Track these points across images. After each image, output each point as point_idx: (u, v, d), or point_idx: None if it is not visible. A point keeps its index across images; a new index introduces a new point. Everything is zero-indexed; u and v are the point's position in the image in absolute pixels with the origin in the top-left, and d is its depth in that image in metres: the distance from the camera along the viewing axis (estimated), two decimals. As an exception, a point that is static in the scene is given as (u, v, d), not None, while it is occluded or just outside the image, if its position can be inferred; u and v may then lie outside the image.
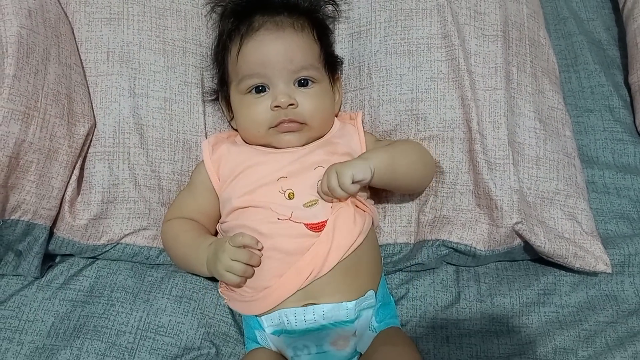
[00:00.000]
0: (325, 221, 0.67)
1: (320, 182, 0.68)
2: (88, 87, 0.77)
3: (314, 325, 0.64)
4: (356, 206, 0.71)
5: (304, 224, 0.67)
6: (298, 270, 0.65)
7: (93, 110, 0.76)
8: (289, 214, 0.67)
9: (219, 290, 0.73)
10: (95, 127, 0.76)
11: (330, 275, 0.65)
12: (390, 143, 0.77)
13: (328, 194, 0.67)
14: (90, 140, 0.76)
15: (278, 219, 0.67)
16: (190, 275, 0.76)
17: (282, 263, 0.66)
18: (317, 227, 0.67)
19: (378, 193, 0.80)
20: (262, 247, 0.66)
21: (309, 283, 0.65)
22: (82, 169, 0.75)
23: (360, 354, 0.67)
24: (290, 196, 0.69)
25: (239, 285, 0.67)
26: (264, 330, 0.66)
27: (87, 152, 0.76)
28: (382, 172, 0.68)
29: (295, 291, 0.64)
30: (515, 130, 0.77)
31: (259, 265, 0.66)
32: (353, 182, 0.64)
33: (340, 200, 0.68)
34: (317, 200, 0.69)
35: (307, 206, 0.68)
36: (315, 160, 0.72)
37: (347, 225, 0.67)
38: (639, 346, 0.69)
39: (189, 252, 0.71)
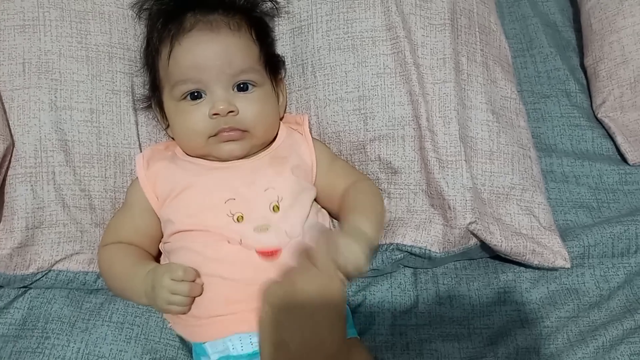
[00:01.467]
0: (279, 249, 0.62)
1: (336, 251, 0.56)
2: (3, 103, 0.70)
3: None
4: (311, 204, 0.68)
5: (255, 251, 0.62)
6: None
7: (10, 129, 0.69)
8: (238, 239, 0.63)
9: (163, 315, 0.68)
10: (13, 146, 0.69)
11: None
12: (353, 194, 0.70)
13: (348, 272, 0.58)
14: (9, 162, 0.69)
15: (228, 241, 0.63)
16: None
17: (230, 289, 0.61)
18: (270, 254, 0.62)
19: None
20: (203, 276, 0.62)
21: None
22: (1, 193, 0.69)
23: None
24: (239, 219, 0.64)
25: (183, 313, 0.63)
26: (210, 357, 0.62)
27: (6, 175, 0.69)
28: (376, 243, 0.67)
29: (248, 330, 0.60)
30: (467, 124, 0.73)
31: (200, 295, 0.61)
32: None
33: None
34: (269, 225, 0.64)
35: (258, 231, 0.64)
36: (265, 182, 0.67)
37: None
38: (600, 340, 0.67)
39: (125, 283, 0.66)
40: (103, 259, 0.69)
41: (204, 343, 0.62)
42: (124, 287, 0.67)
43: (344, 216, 0.69)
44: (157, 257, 0.72)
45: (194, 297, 0.61)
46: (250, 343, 0.60)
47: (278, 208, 0.65)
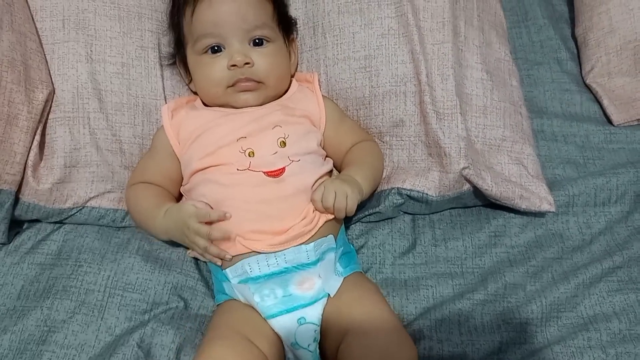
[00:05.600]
0: (283, 168, 0.70)
1: (318, 193, 0.69)
2: (45, 54, 0.78)
3: (278, 269, 0.67)
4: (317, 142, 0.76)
5: (262, 172, 0.70)
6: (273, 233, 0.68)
7: (51, 77, 0.77)
8: (247, 165, 0.70)
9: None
10: (54, 93, 0.77)
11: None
12: (356, 151, 0.78)
13: (326, 210, 0.69)
14: (50, 106, 0.77)
15: (237, 169, 0.70)
16: (155, 235, 0.79)
17: (243, 210, 0.69)
18: (275, 174, 0.70)
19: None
20: (219, 202, 0.69)
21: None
22: (43, 134, 0.77)
23: (329, 295, 0.69)
24: (251, 154, 0.71)
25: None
26: (230, 282, 0.69)
27: (47, 118, 0.77)
28: (368, 193, 0.74)
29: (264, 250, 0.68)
30: (463, 82, 0.80)
31: (221, 239, 0.68)
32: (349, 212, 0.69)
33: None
34: (277, 151, 0.71)
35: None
36: (273, 120, 0.74)
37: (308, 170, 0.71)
38: (581, 278, 0.74)
39: (148, 220, 0.74)
40: (129, 197, 0.76)
41: (225, 269, 0.69)
42: (147, 224, 0.75)
43: (342, 169, 0.77)
44: (177, 199, 0.79)
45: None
46: (267, 265, 0.67)
47: (285, 144, 0.72)
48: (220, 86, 0.75)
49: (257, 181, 0.70)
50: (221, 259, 0.69)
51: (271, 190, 0.69)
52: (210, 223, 0.68)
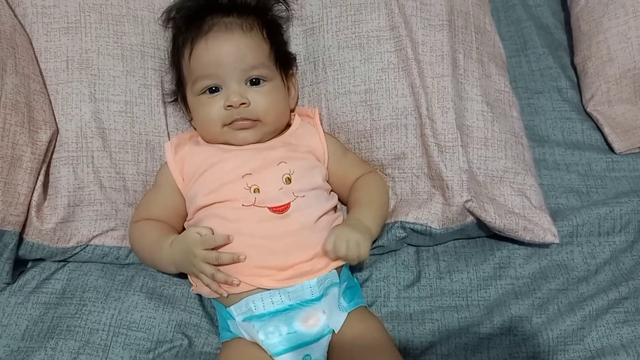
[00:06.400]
0: (288, 204, 0.70)
1: (329, 242, 0.68)
2: (49, 94, 0.79)
3: (282, 306, 0.67)
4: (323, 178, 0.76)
5: (267, 207, 0.70)
6: (278, 272, 0.68)
7: (55, 117, 0.78)
8: (252, 201, 0.71)
9: (190, 277, 0.75)
10: (57, 133, 0.78)
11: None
12: (362, 188, 0.78)
13: (336, 258, 0.68)
14: (54, 146, 0.78)
15: (242, 204, 0.70)
16: (159, 272, 0.79)
17: (248, 246, 0.69)
18: (280, 210, 0.70)
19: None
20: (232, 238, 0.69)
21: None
22: (47, 174, 0.77)
23: (333, 331, 0.69)
24: (256, 191, 0.72)
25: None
26: (235, 319, 0.69)
27: (51, 158, 0.78)
28: (377, 234, 0.74)
29: (268, 284, 0.68)
30: (464, 114, 0.80)
31: (230, 262, 0.68)
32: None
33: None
34: (282, 187, 0.72)
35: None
36: (278, 157, 0.75)
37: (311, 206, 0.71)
38: (587, 309, 0.74)
39: (154, 254, 0.74)
40: (134, 232, 0.76)
41: (229, 307, 0.69)
42: (153, 258, 0.75)
43: (350, 209, 0.77)
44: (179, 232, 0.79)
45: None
46: (271, 302, 0.67)
47: (290, 180, 0.73)
48: (217, 125, 0.76)
49: (262, 217, 0.70)
50: (227, 294, 0.69)
51: (276, 225, 0.70)
52: (216, 248, 0.68)
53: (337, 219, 0.75)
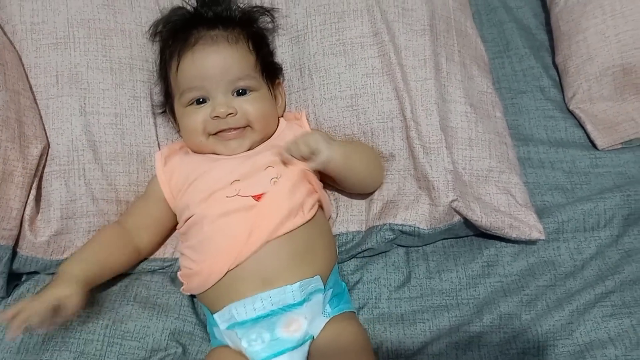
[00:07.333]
0: (263, 193, 0.71)
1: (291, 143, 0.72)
2: (39, 109, 0.80)
3: (264, 312, 0.68)
4: (309, 182, 0.76)
5: (251, 196, 0.72)
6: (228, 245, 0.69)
7: (45, 132, 0.79)
8: (236, 193, 0.72)
9: (180, 277, 0.76)
10: (48, 147, 0.79)
11: (283, 260, 0.69)
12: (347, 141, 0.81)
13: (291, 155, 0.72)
14: (45, 160, 0.79)
15: (226, 196, 0.72)
16: (152, 281, 0.80)
17: (229, 238, 0.70)
18: (258, 198, 0.72)
19: (330, 187, 0.84)
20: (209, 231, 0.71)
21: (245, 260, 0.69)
22: (39, 188, 0.78)
23: (313, 337, 0.70)
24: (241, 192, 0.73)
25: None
26: (219, 327, 0.70)
27: (43, 172, 0.79)
28: (341, 159, 0.73)
29: (225, 271, 0.69)
30: (448, 116, 0.82)
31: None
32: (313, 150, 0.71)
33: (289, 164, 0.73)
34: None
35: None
36: (265, 161, 0.76)
37: (282, 196, 0.72)
38: (575, 305, 0.74)
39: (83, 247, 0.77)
40: (104, 226, 0.79)
41: (213, 314, 0.70)
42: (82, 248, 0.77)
43: None
44: (161, 241, 0.82)
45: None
46: (253, 308, 0.68)
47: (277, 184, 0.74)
48: (201, 135, 0.77)
49: (241, 205, 0.71)
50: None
51: (252, 210, 0.70)
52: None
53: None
